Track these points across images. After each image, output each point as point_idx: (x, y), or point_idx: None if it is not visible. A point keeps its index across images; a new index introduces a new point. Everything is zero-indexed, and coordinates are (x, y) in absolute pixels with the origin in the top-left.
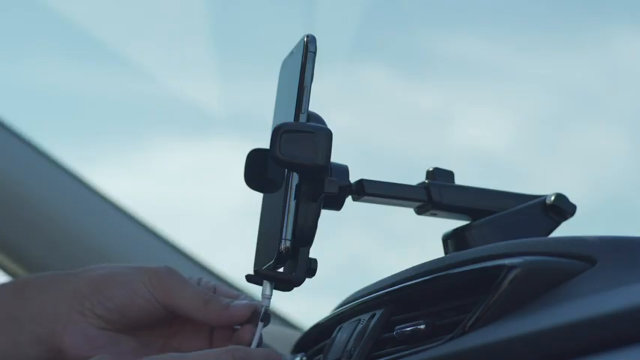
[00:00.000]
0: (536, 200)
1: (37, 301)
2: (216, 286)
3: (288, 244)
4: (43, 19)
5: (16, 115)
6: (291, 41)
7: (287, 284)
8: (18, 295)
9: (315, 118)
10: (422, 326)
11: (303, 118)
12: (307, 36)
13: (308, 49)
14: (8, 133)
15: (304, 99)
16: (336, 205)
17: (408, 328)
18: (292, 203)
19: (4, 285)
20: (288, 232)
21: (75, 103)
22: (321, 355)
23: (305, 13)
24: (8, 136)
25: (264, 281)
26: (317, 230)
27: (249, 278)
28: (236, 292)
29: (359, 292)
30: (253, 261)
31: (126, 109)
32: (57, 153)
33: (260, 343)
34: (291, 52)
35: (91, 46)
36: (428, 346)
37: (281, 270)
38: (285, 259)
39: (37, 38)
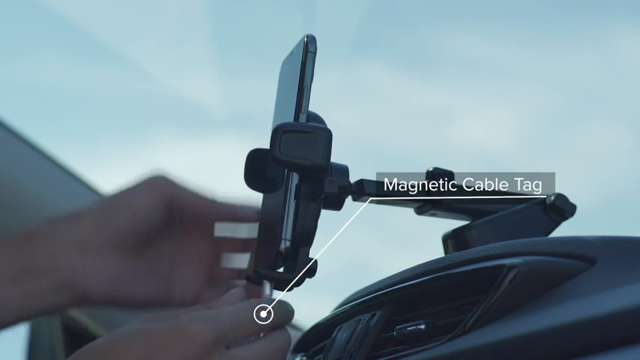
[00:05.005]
0: (536, 200)
1: (47, 251)
2: None
3: (287, 244)
4: (43, 18)
5: (16, 114)
6: (292, 40)
7: (287, 284)
8: (24, 246)
9: (314, 118)
10: (422, 326)
11: (303, 118)
12: (307, 36)
13: (308, 49)
14: (8, 132)
15: (304, 99)
16: (336, 205)
17: (408, 328)
18: (292, 203)
19: (8, 238)
20: (287, 233)
21: (75, 103)
22: (321, 355)
23: (306, 10)
24: (8, 135)
25: (264, 281)
26: (317, 230)
27: (249, 278)
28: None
29: (359, 292)
30: (254, 261)
31: (126, 109)
32: (57, 152)
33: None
34: (291, 52)
35: (90, 45)
36: (428, 346)
37: (281, 270)
38: (285, 259)
39: (36, 37)
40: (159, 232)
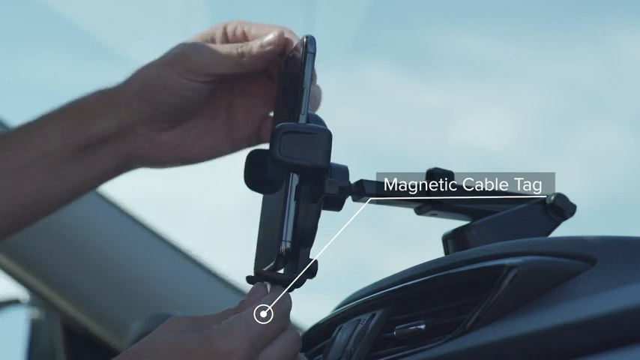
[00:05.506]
0: (536, 200)
1: (101, 126)
2: (244, 28)
3: (288, 245)
4: (43, 18)
5: (16, 114)
6: None
7: (287, 285)
8: (81, 122)
9: (314, 119)
10: (422, 326)
11: (302, 119)
12: (307, 37)
13: (307, 49)
14: None
15: (304, 100)
16: (336, 205)
17: (408, 328)
18: (292, 204)
19: (64, 112)
20: (288, 234)
21: None
22: (321, 355)
23: (306, 10)
24: None
25: (265, 283)
26: (317, 231)
27: (249, 280)
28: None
29: (359, 292)
30: (254, 262)
31: None
32: None
33: None
34: (291, 52)
35: (90, 45)
36: (428, 346)
37: (281, 271)
38: (286, 260)
39: (36, 37)
40: (203, 97)
